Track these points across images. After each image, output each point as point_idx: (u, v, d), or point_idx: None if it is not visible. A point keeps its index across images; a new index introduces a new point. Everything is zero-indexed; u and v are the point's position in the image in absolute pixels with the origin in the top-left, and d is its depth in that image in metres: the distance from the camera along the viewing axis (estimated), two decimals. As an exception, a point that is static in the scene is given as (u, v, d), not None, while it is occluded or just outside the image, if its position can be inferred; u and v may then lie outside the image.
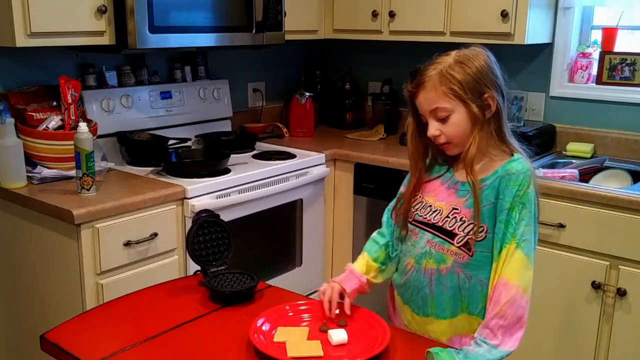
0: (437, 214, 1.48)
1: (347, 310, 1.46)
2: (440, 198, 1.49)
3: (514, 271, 1.36)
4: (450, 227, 1.44)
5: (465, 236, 1.42)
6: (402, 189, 1.61)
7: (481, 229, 1.41)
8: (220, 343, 1.39)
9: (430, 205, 1.50)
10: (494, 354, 1.33)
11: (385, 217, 1.63)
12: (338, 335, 1.36)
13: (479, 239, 1.41)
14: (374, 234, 1.64)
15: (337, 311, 1.47)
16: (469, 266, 1.43)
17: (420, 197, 1.53)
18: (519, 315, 1.36)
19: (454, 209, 1.45)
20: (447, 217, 1.45)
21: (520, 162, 1.43)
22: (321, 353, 1.31)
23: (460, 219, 1.43)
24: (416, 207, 1.53)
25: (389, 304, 1.66)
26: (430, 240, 1.48)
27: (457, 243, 1.43)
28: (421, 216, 1.51)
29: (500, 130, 1.45)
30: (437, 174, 1.53)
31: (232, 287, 1.58)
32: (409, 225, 1.54)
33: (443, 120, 1.42)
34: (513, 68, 2.99)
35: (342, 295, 1.49)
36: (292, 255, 2.87)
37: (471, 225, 1.42)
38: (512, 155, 1.45)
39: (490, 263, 1.42)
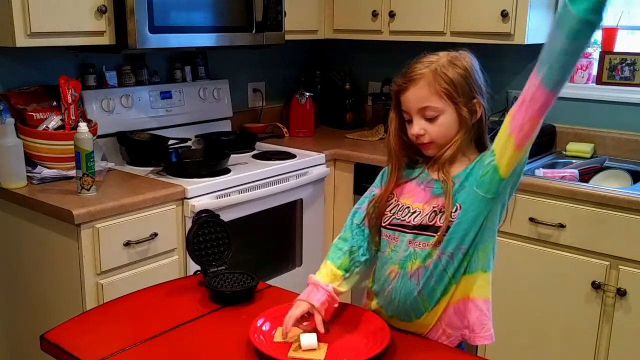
0: (417, 216, 1.44)
1: (320, 328, 1.35)
2: (418, 199, 1.45)
3: None
4: (431, 221, 1.41)
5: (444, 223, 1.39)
6: (376, 190, 1.54)
7: (455, 208, 1.38)
8: (220, 343, 1.39)
9: (408, 207, 1.46)
10: None
11: (348, 221, 1.55)
12: (307, 339, 1.33)
13: (454, 220, 1.38)
14: (336, 240, 1.54)
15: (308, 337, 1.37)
16: (446, 243, 1.39)
17: (395, 200, 1.48)
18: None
19: (434, 207, 1.42)
20: (428, 214, 1.42)
21: None
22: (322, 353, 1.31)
23: (440, 211, 1.41)
24: (392, 211, 1.48)
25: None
26: (413, 240, 1.43)
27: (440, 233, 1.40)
28: (399, 219, 1.46)
29: (481, 137, 1.44)
30: (412, 176, 1.50)
31: (232, 287, 1.58)
32: (385, 230, 1.49)
33: (430, 120, 1.40)
34: (513, 68, 2.99)
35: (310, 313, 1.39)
36: (292, 255, 2.87)
37: (447, 212, 1.39)
38: None
39: (463, 230, 1.38)
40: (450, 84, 1.38)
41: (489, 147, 1.43)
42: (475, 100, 1.40)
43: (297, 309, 1.38)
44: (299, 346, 1.32)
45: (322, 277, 1.46)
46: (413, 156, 1.50)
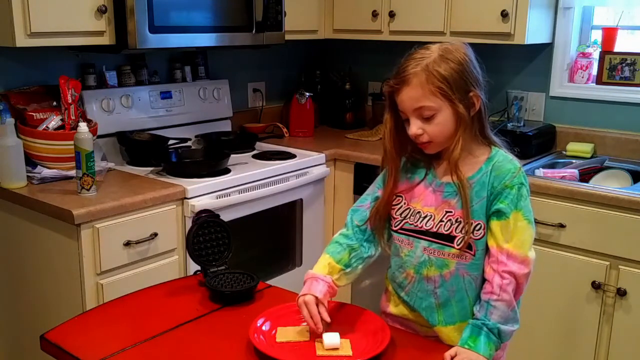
0: (429, 220, 1.43)
1: (326, 318, 1.36)
2: (428, 203, 1.44)
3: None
4: (446, 230, 1.40)
5: (464, 236, 1.38)
6: (379, 192, 1.52)
7: (478, 226, 1.38)
8: (220, 343, 1.39)
9: (419, 212, 1.44)
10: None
11: (349, 218, 1.54)
12: (329, 338, 1.33)
13: (478, 237, 1.38)
14: (337, 236, 1.53)
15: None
16: (473, 266, 1.40)
17: (405, 204, 1.47)
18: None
19: (447, 212, 1.41)
20: (442, 221, 1.41)
21: (501, 153, 1.43)
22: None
23: (456, 220, 1.39)
24: (404, 215, 1.47)
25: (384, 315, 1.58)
26: (427, 247, 1.43)
27: (458, 245, 1.39)
28: (412, 224, 1.45)
29: (483, 129, 1.42)
30: (419, 178, 1.47)
31: (232, 287, 1.58)
32: (397, 234, 1.49)
33: (427, 119, 1.37)
34: (513, 68, 2.98)
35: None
36: (292, 255, 2.87)
37: (468, 225, 1.38)
38: (491, 149, 1.44)
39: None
40: (443, 82, 1.34)
41: (494, 141, 1.43)
42: (472, 94, 1.37)
43: (311, 306, 1.37)
44: (323, 345, 1.32)
45: (319, 270, 1.46)
46: (412, 155, 1.49)
